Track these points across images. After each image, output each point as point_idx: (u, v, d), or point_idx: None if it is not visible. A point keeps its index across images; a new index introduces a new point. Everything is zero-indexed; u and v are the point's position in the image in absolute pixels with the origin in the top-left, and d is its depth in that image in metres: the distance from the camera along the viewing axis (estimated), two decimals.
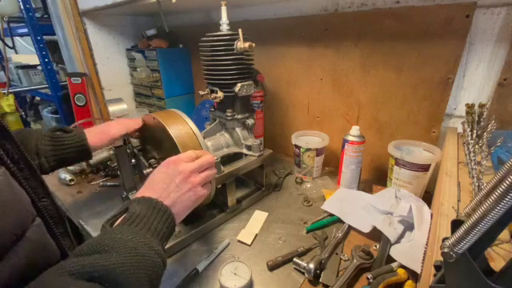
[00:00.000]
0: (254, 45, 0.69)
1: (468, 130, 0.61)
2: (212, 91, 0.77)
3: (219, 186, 0.68)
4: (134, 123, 0.70)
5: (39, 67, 1.63)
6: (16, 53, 2.12)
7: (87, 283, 0.29)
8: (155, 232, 0.38)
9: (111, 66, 1.41)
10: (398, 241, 0.60)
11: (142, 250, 0.34)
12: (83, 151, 0.62)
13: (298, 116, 1.08)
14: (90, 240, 0.35)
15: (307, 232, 0.69)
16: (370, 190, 0.85)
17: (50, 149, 0.58)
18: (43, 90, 1.60)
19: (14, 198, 0.30)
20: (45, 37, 1.30)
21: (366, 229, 0.65)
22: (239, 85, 0.73)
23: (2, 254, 0.27)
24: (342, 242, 0.65)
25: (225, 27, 0.72)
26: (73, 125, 0.91)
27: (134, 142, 0.77)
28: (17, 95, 1.81)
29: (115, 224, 0.39)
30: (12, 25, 1.59)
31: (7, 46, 1.67)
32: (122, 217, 0.39)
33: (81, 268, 0.29)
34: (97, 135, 0.64)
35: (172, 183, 0.45)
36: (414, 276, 0.52)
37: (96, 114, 1.36)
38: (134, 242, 0.34)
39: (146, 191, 0.44)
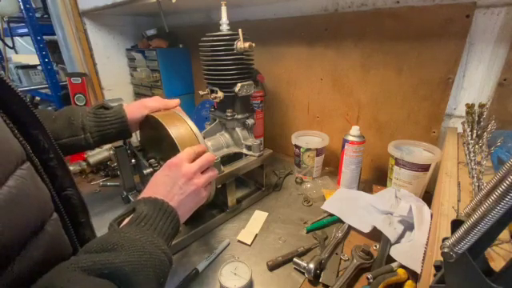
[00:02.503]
0: (253, 45, 0.69)
1: (468, 129, 0.61)
2: (212, 91, 0.77)
3: (219, 186, 0.68)
4: (172, 101, 0.70)
5: (39, 67, 1.63)
6: (16, 53, 2.12)
7: (99, 279, 0.29)
8: (161, 232, 0.39)
9: (111, 66, 1.41)
10: (398, 241, 0.60)
11: (149, 249, 0.35)
12: (123, 127, 0.63)
13: (298, 116, 1.08)
14: (98, 238, 0.35)
15: (307, 232, 0.69)
16: (370, 190, 0.85)
17: (94, 124, 0.60)
18: (43, 90, 1.60)
19: (37, 193, 0.31)
20: (45, 37, 1.30)
21: (366, 229, 0.65)
22: (239, 85, 0.73)
23: (22, 246, 0.28)
24: (342, 241, 0.65)
25: (225, 27, 0.72)
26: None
27: (134, 142, 0.77)
28: None
29: (123, 223, 0.39)
30: (12, 25, 1.59)
31: (7, 45, 1.67)
32: (130, 217, 0.40)
33: (92, 264, 0.30)
34: (136, 107, 0.66)
35: (175, 186, 0.46)
36: (413, 276, 0.52)
37: None
38: (141, 242, 0.35)
39: (149, 194, 0.44)
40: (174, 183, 0.46)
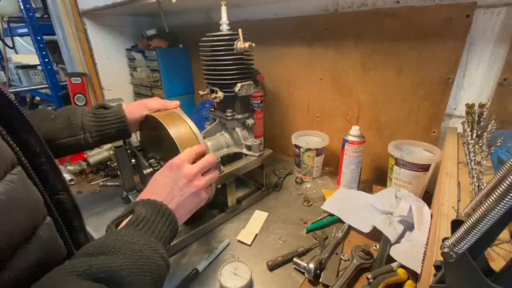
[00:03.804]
0: (253, 45, 0.69)
1: (468, 130, 0.61)
2: (212, 91, 0.77)
3: (219, 186, 0.68)
4: (172, 102, 0.69)
5: (39, 67, 1.63)
6: (16, 53, 2.12)
7: (95, 284, 0.29)
8: (159, 235, 0.39)
9: (111, 66, 1.41)
10: (398, 241, 0.60)
11: (147, 253, 0.34)
12: (122, 127, 0.63)
13: (298, 116, 1.08)
14: (95, 240, 0.35)
15: (307, 232, 0.69)
16: (370, 190, 0.85)
17: (94, 124, 0.60)
18: (43, 90, 1.60)
19: (28, 197, 0.31)
20: (45, 37, 1.30)
21: (366, 229, 0.65)
22: (239, 85, 0.73)
23: (13, 252, 0.27)
24: (342, 241, 0.65)
25: (225, 27, 0.72)
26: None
27: (134, 142, 0.77)
28: (17, 95, 1.81)
29: (121, 225, 0.39)
30: (12, 25, 1.58)
31: (7, 45, 1.67)
32: (128, 218, 0.39)
33: (88, 269, 0.29)
34: (135, 107, 0.66)
35: (176, 187, 0.45)
36: (413, 276, 0.52)
37: None
38: (139, 245, 0.34)
39: (149, 195, 0.44)
40: (175, 184, 0.45)
